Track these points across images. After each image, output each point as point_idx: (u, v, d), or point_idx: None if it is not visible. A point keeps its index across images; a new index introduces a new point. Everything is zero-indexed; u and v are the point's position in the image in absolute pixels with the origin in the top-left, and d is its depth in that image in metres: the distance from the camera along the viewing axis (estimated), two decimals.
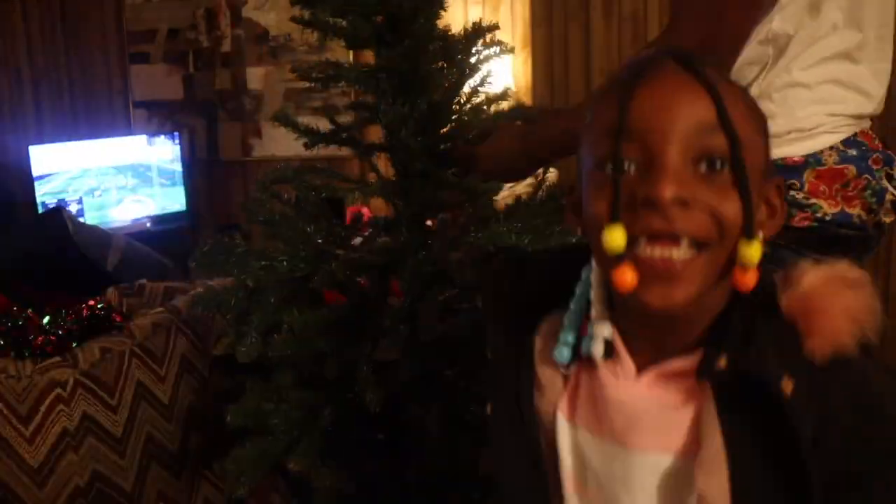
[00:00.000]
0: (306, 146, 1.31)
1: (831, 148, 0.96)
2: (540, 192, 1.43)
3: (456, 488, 1.30)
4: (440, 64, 1.27)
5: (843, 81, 0.98)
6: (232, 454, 1.32)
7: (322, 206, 1.34)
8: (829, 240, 0.97)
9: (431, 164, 1.23)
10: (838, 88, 0.98)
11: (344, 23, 1.23)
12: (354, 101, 1.38)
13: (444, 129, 1.26)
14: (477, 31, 1.27)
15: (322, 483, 1.25)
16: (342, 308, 1.27)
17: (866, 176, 0.96)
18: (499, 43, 1.31)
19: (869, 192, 0.96)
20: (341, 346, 1.25)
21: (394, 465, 1.32)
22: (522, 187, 3.96)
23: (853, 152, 0.96)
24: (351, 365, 1.26)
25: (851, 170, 0.95)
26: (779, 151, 0.95)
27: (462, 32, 1.27)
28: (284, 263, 1.26)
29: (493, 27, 1.29)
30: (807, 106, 0.97)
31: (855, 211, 0.96)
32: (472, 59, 1.30)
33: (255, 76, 5.01)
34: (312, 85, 1.28)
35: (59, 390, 1.60)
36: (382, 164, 1.38)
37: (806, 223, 0.96)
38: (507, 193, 3.95)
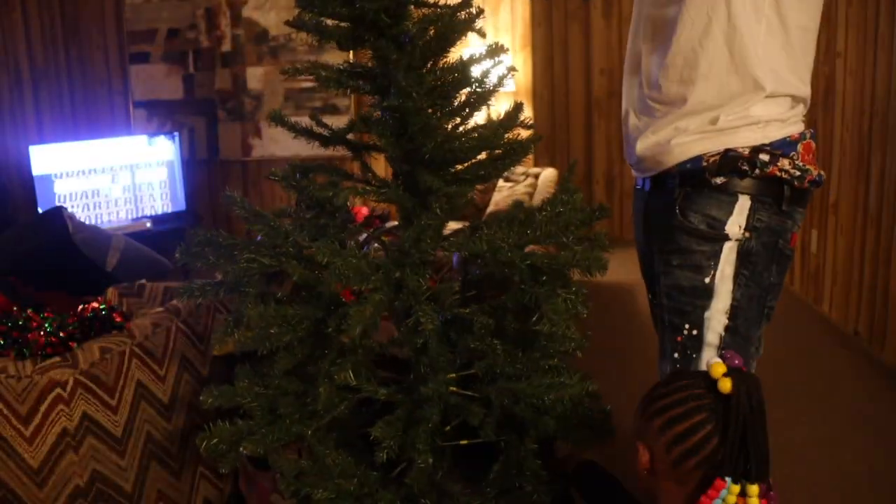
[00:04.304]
0: (323, 143, 1.32)
1: (808, 128, 1.36)
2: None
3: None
4: (417, 67, 1.25)
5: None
6: (209, 431, 1.35)
7: (321, 205, 1.34)
8: (808, 194, 1.35)
9: (409, 166, 1.23)
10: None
11: (330, 24, 1.23)
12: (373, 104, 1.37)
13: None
14: (446, 32, 1.24)
15: (284, 468, 1.29)
16: (306, 306, 1.28)
17: (815, 148, 1.36)
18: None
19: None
20: (298, 343, 1.26)
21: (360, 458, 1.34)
22: (523, 188, 3.95)
23: (812, 131, 1.37)
24: (310, 360, 1.28)
25: (813, 144, 1.35)
26: (785, 131, 1.31)
27: (433, 34, 1.24)
28: (266, 260, 1.26)
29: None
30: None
31: (821, 172, 1.34)
32: (451, 62, 1.27)
33: (255, 76, 5.02)
34: (312, 85, 1.28)
35: (58, 390, 1.60)
36: (382, 165, 1.38)
37: (807, 185, 1.31)
38: (507, 194, 3.94)
